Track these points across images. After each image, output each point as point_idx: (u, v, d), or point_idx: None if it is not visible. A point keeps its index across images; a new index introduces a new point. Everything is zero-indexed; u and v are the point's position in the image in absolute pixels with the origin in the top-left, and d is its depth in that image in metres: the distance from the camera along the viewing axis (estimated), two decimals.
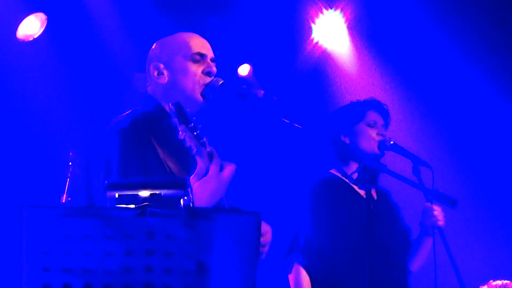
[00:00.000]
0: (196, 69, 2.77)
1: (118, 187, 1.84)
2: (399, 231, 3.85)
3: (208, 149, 2.38)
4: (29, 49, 4.74)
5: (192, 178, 2.38)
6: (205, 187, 2.38)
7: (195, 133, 2.35)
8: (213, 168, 2.39)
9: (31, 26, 4.69)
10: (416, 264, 3.85)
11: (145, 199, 1.83)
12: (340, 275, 3.60)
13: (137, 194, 1.84)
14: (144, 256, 1.72)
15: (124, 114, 2.70)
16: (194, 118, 2.39)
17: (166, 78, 2.77)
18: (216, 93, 2.79)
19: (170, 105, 2.40)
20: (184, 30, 2.96)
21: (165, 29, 3.05)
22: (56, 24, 4.81)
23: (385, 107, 3.94)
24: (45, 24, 4.73)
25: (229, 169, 2.44)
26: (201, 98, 2.76)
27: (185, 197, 1.81)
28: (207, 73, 2.78)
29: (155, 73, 2.79)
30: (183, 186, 1.82)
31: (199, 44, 2.84)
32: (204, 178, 2.38)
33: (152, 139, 2.59)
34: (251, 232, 1.79)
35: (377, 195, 3.83)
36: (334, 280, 3.61)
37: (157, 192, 1.82)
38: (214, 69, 2.80)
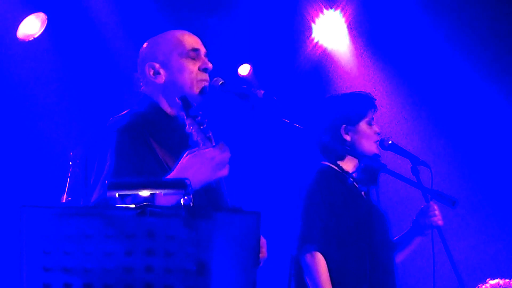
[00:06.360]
0: (193, 67, 2.77)
1: (118, 187, 1.84)
2: (387, 229, 3.84)
3: (213, 144, 2.40)
4: (29, 49, 4.74)
5: None
6: None
7: (201, 127, 2.37)
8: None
9: (31, 26, 4.69)
10: (397, 260, 3.84)
11: (145, 199, 1.83)
12: (343, 266, 3.59)
13: (137, 194, 1.84)
14: (144, 256, 1.72)
15: (121, 113, 2.71)
16: (200, 112, 2.41)
17: (163, 78, 2.77)
18: (215, 92, 2.80)
19: (177, 99, 2.43)
20: (184, 30, 2.95)
21: (165, 29, 3.04)
22: (56, 24, 4.81)
23: (375, 100, 3.94)
24: (45, 24, 4.73)
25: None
26: (200, 94, 2.76)
27: (185, 197, 1.81)
28: (204, 70, 2.79)
29: (151, 73, 2.79)
30: (183, 186, 1.82)
31: (192, 40, 2.84)
32: None
33: (151, 139, 2.59)
34: (251, 232, 1.79)
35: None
36: (338, 271, 3.58)
37: (157, 192, 1.83)
38: (210, 65, 2.80)
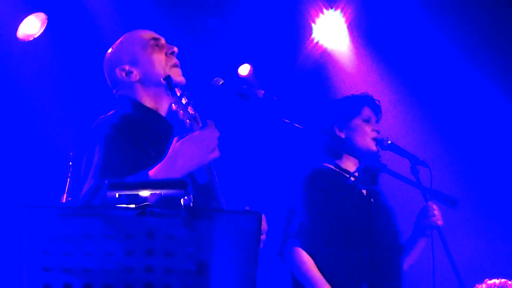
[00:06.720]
0: (159, 54, 2.81)
1: (118, 187, 1.84)
2: (395, 229, 3.84)
3: (200, 125, 2.41)
4: (29, 49, 4.74)
5: None
6: None
7: (187, 107, 2.39)
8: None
9: (31, 26, 4.70)
10: (406, 264, 3.84)
11: (145, 199, 1.83)
12: (337, 264, 3.59)
13: (137, 194, 1.84)
14: (144, 256, 1.72)
15: (107, 114, 2.72)
16: (186, 92, 2.42)
17: (137, 75, 2.79)
18: (215, 92, 2.81)
19: (162, 80, 2.47)
20: (184, 30, 2.97)
21: (165, 29, 3.05)
22: (56, 24, 4.81)
23: (378, 102, 3.95)
24: (45, 24, 4.73)
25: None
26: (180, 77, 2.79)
27: (185, 197, 1.81)
28: (171, 53, 2.81)
29: (124, 75, 2.80)
30: (183, 186, 1.82)
31: (149, 32, 2.89)
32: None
33: (138, 134, 2.60)
34: (251, 232, 1.79)
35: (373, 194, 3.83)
36: (332, 269, 3.59)
37: (157, 192, 1.83)
38: (175, 48, 2.84)
